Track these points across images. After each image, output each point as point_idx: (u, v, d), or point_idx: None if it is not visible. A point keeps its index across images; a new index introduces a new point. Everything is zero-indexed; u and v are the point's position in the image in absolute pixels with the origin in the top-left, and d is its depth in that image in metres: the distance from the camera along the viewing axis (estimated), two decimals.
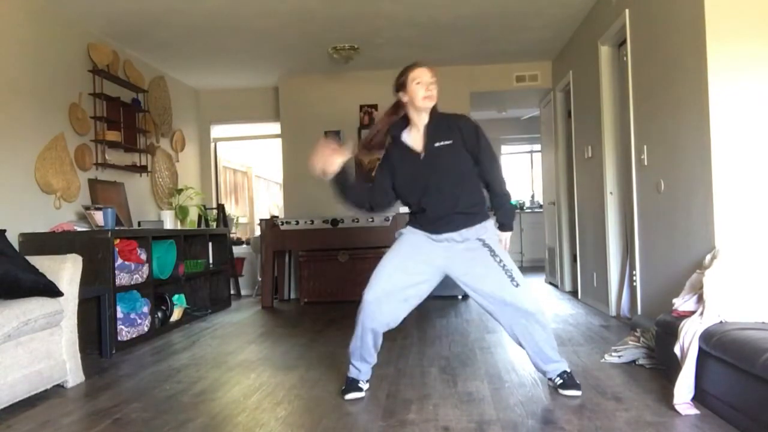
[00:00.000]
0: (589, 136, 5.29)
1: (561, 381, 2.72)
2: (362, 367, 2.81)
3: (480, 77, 6.83)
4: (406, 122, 2.78)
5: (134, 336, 4.21)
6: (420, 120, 2.73)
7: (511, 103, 8.30)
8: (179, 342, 4.34)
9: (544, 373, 2.79)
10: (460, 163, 2.69)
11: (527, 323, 2.67)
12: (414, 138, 2.74)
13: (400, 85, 2.73)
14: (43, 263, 3.15)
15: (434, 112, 2.75)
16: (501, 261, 2.66)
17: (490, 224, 2.74)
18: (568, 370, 2.76)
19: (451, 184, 2.68)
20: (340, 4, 4.87)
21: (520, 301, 2.63)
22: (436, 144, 2.68)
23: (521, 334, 2.71)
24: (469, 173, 2.72)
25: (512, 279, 2.64)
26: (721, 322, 2.48)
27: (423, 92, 2.68)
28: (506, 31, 5.63)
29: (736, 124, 3.01)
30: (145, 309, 4.38)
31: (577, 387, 2.69)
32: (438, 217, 2.68)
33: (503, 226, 2.79)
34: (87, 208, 4.59)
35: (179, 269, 5.05)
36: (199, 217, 6.75)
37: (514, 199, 11.04)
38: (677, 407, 2.41)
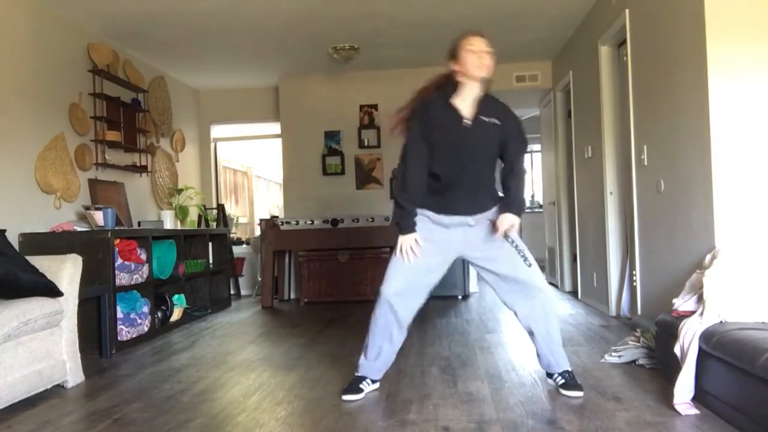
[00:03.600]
0: (589, 136, 5.29)
1: (563, 381, 2.72)
2: (373, 365, 2.80)
3: None
4: (453, 90, 2.68)
5: (134, 336, 4.21)
6: (470, 91, 2.65)
7: (511, 103, 8.11)
8: (179, 342, 4.34)
9: (548, 368, 2.80)
10: (496, 146, 2.68)
11: (541, 302, 2.70)
12: (462, 105, 2.66)
13: (452, 52, 2.67)
14: (43, 263, 3.15)
15: (486, 90, 2.68)
16: (513, 242, 2.70)
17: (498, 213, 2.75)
18: (570, 370, 2.77)
19: (484, 162, 2.69)
20: (340, 4, 4.87)
21: (533, 280, 2.68)
22: (484, 118, 2.65)
23: (535, 316, 2.71)
24: (495, 160, 2.73)
25: (525, 259, 2.70)
26: (721, 322, 2.48)
27: (476, 61, 2.60)
28: (506, 31, 5.63)
29: (736, 124, 3.01)
30: (145, 309, 4.38)
31: (579, 387, 2.69)
32: (461, 194, 2.66)
33: (517, 210, 2.67)
34: (87, 208, 4.59)
35: (179, 269, 5.05)
36: (199, 217, 6.75)
37: None
38: (677, 407, 2.41)
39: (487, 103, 2.68)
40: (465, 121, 2.64)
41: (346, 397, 2.73)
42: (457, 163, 2.65)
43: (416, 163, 2.67)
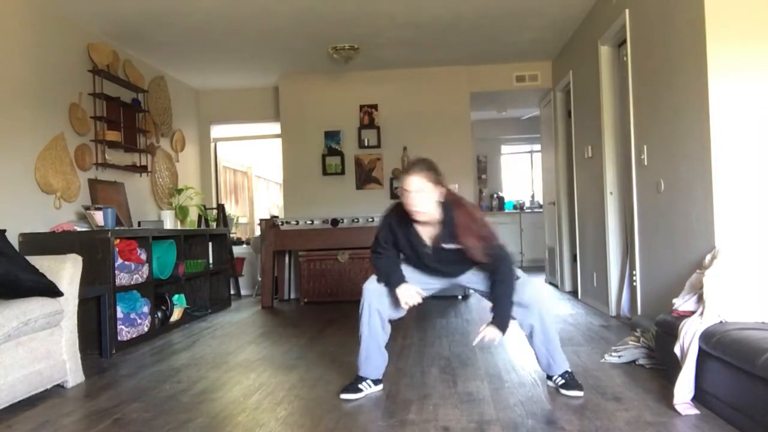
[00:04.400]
0: (589, 136, 5.29)
1: (563, 381, 2.73)
2: (366, 366, 2.81)
3: (480, 77, 6.83)
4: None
5: (134, 336, 4.21)
6: (424, 222, 2.65)
7: (511, 103, 8.31)
8: (179, 342, 4.34)
9: (548, 370, 2.79)
10: (468, 258, 2.66)
11: (537, 309, 2.71)
12: (423, 231, 2.68)
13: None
14: (43, 263, 3.15)
15: (447, 210, 2.61)
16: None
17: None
18: (570, 370, 2.77)
19: (457, 266, 2.74)
20: (340, 4, 4.87)
21: (519, 294, 2.68)
22: (444, 245, 2.64)
23: (530, 319, 2.73)
24: (463, 263, 2.74)
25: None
26: (721, 322, 2.48)
27: (406, 201, 2.58)
28: (506, 31, 5.63)
29: (735, 124, 3.01)
30: (145, 309, 4.38)
31: (579, 387, 2.70)
32: (441, 275, 2.81)
33: (501, 327, 2.62)
34: (87, 208, 4.59)
35: (179, 269, 5.05)
36: (199, 217, 6.75)
37: (514, 199, 10.93)
38: (677, 407, 2.41)
39: (444, 232, 2.62)
40: (426, 248, 2.69)
41: (344, 396, 2.75)
42: (428, 269, 2.77)
43: (387, 255, 2.77)
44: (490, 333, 2.62)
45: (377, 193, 6.94)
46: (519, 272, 2.73)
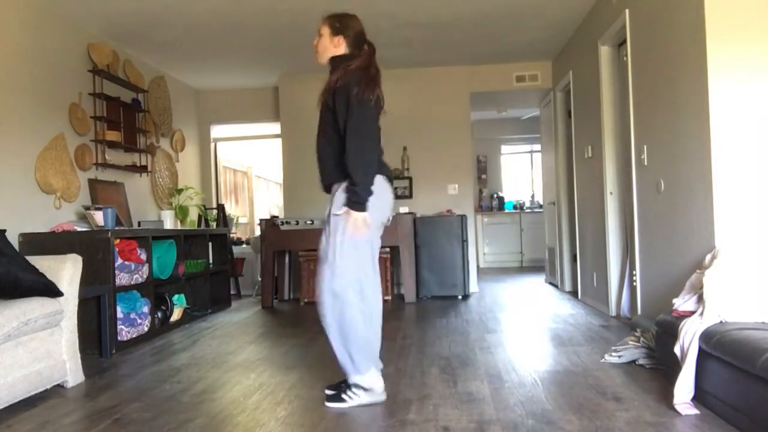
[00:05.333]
0: (589, 136, 5.29)
1: (333, 393, 2.71)
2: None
3: (480, 77, 6.83)
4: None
5: (134, 336, 4.21)
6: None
7: (511, 103, 8.31)
8: (179, 342, 4.34)
9: (342, 367, 2.74)
10: (327, 126, 2.64)
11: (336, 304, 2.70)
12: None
13: None
14: (43, 263, 3.15)
15: (335, 64, 2.70)
16: (330, 234, 2.69)
17: (338, 194, 2.68)
18: (351, 383, 2.69)
19: (319, 147, 2.71)
20: (341, 4, 4.85)
21: (320, 276, 2.67)
22: (327, 102, 2.65)
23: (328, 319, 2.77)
24: (330, 140, 2.63)
25: (326, 255, 2.67)
26: (721, 322, 2.49)
27: None
28: (506, 31, 5.63)
29: (735, 124, 3.01)
30: (145, 309, 4.39)
31: (341, 400, 2.66)
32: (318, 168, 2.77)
33: (348, 200, 2.55)
34: (87, 208, 4.58)
35: (179, 269, 5.05)
36: (199, 217, 6.75)
37: (514, 199, 10.89)
38: (677, 407, 2.41)
39: (327, 84, 2.65)
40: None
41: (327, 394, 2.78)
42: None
43: None
44: (350, 224, 2.53)
45: None
46: (333, 253, 2.61)
